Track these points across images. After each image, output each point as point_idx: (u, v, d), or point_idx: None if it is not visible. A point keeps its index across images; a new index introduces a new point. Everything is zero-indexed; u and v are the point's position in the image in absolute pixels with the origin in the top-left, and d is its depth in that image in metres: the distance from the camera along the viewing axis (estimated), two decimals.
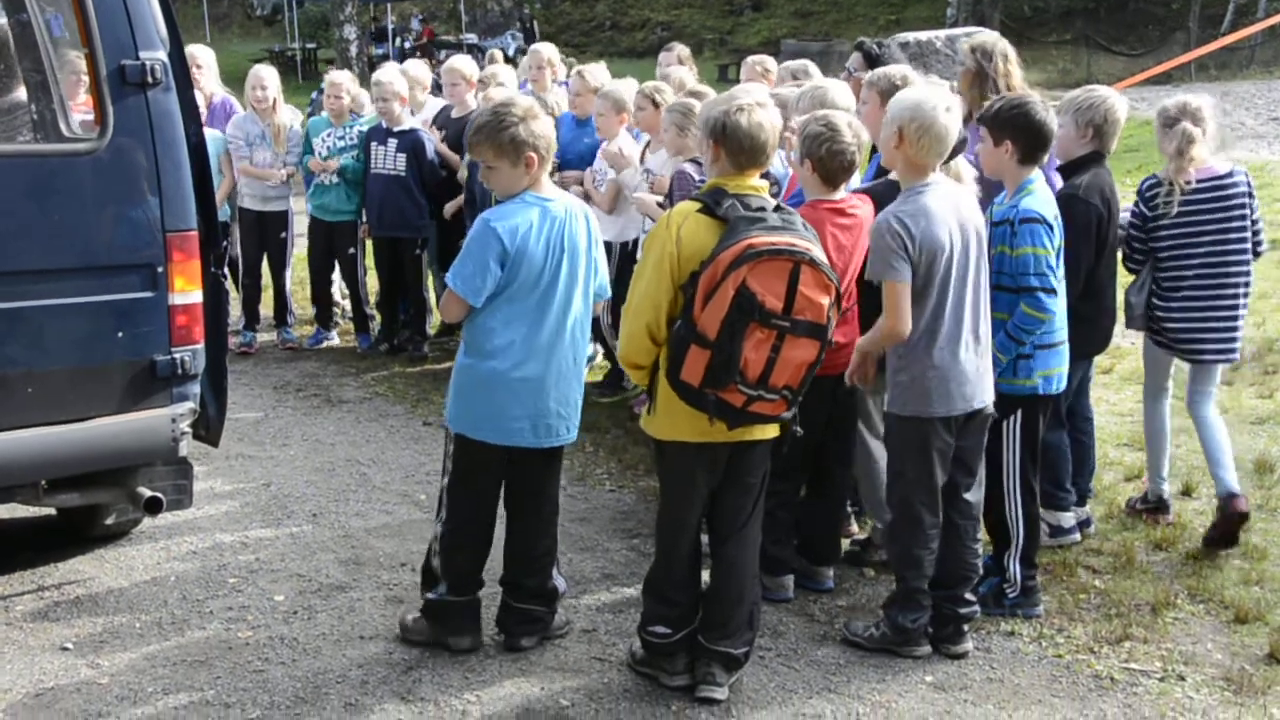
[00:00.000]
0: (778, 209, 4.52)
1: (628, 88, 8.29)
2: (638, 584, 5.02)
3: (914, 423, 5.00)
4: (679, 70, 8.81)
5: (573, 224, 4.88)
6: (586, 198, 7.98)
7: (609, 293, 5.17)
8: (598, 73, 8.94)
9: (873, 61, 7.32)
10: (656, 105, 7.77)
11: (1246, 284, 6.01)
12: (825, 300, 4.41)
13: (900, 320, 4.84)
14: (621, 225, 8.17)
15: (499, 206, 4.95)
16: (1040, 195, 5.23)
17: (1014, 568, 5.36)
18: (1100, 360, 7.39)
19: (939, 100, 4.91)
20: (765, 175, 5.88)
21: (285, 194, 9.79)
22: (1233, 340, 6.06)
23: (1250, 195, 5.92)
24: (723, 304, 4.29)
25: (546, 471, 5.10)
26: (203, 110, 9.58)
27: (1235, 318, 6.01)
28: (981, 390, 5.02)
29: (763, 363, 4.38)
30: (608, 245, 8.07)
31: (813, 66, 8.05)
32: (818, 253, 4.42)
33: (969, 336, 4.95)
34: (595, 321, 8.33)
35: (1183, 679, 4.92)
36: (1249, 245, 5.96)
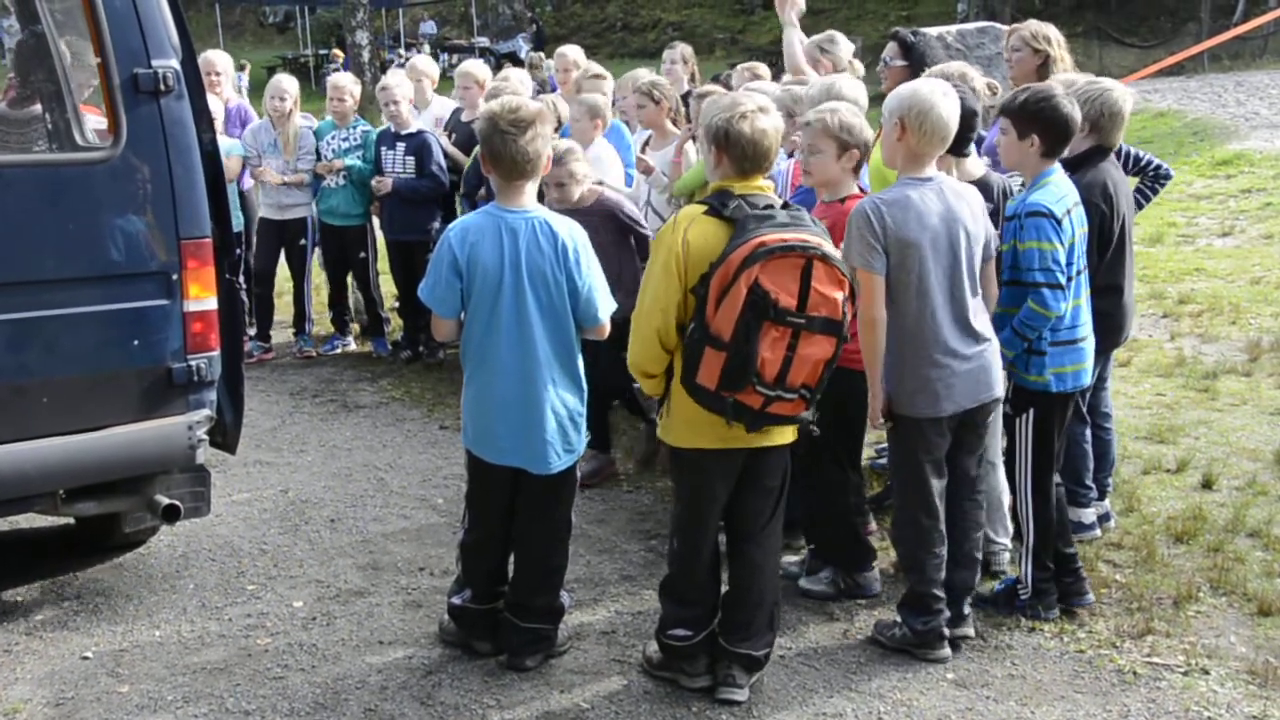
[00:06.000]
0: (785, 206, 4.48)
1: (604, 90, 8.30)
2: (656, 585, 5.00)
3: (902, 421, 4.97)
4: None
5: (535, 240, 4.75)
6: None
7: (603, 320, 4.93)
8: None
9: (908, 50, 7.10)
10: (657, 101, 7.80)
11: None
12: (839, 295, 4.37)
13: (873, 307, 4.78)
14: None
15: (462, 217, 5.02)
16: (1054, 190, 5.09)
17: (1026, 568, 5.31)
18: (1118, 353, 7.35)
19: (936, 88, 4.88)
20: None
21: (302, 201, 9.68)
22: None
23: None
24: (736, 304, 4.26)
25: (550, 494, 4.98)
26: (219, 117, 9.65)
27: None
28: (980, 389, 4.92)
29: (779, 361, 4.34)
30: None
31: (839, 35, 8.13)
32: (829, 248, 4.38)
33: (956, 339, 4.86)
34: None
35: (1206, 673, 4.89)
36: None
